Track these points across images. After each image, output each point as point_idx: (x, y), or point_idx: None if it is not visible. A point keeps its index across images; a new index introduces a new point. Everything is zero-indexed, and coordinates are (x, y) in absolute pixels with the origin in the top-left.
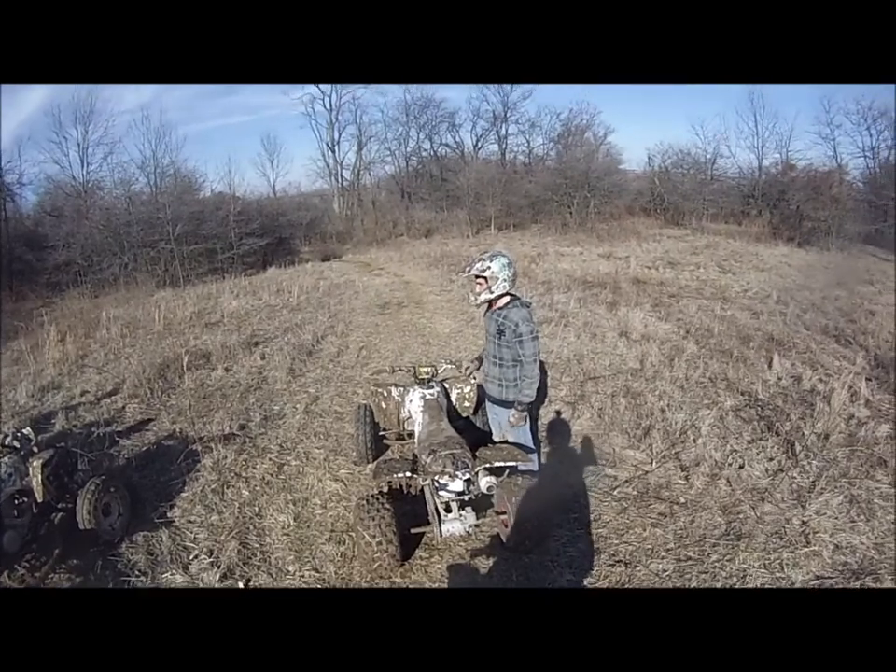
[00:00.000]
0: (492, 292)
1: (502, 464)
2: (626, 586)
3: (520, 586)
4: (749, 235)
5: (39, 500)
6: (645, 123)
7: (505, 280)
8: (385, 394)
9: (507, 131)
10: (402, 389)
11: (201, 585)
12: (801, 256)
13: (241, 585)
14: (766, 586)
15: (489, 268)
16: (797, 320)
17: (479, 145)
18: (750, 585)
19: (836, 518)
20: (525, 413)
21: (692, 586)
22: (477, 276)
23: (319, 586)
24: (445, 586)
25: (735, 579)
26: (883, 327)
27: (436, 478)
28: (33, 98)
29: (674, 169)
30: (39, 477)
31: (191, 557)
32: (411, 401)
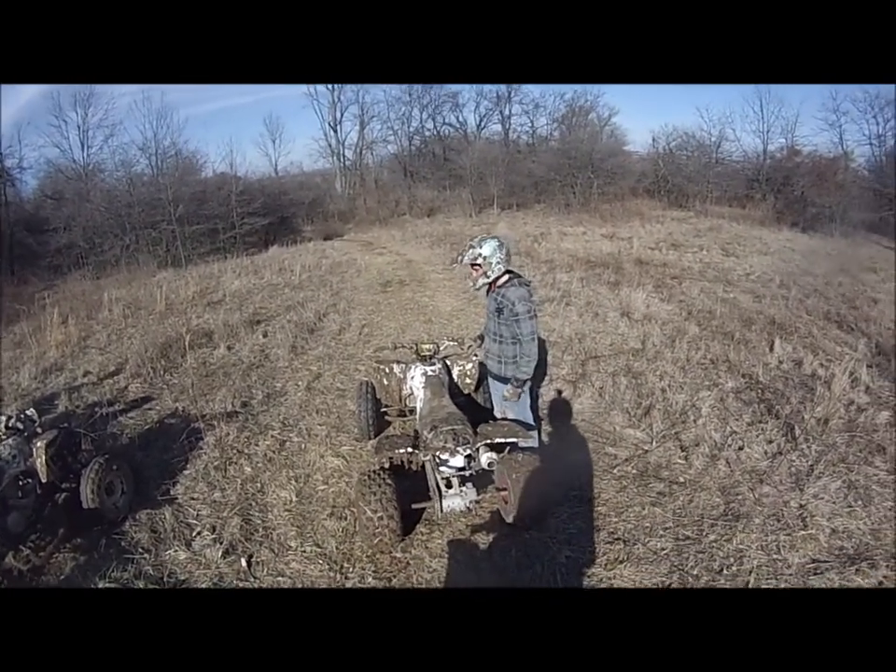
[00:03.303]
0: (488, 276)
1: (503, 440)
2: (626, 571)
3: (519, 562)
4: (753, 219)
5: (43, 481)
6: (650, 105)
7: (499, 262)
8: (388, 370)
9: (510, 111)
10: (404, 366)
11: (203, 561)
12: (804, 241)
13: (243, 561)
14: (763, 567)
15: (480, 254)
16: (799, 305)
17: (482, 125)
18: (747, 566)
19: (834, 503)
20: (521, 390)
21: (689, 566)
22: (472, 265)
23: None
24: (445, 563)
25: (731, 559)
26: (885, 314)
27: (437, 453)
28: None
29: (678, 151)
30: (43, 458)
31: (194, 534)
32: (412, 378)
